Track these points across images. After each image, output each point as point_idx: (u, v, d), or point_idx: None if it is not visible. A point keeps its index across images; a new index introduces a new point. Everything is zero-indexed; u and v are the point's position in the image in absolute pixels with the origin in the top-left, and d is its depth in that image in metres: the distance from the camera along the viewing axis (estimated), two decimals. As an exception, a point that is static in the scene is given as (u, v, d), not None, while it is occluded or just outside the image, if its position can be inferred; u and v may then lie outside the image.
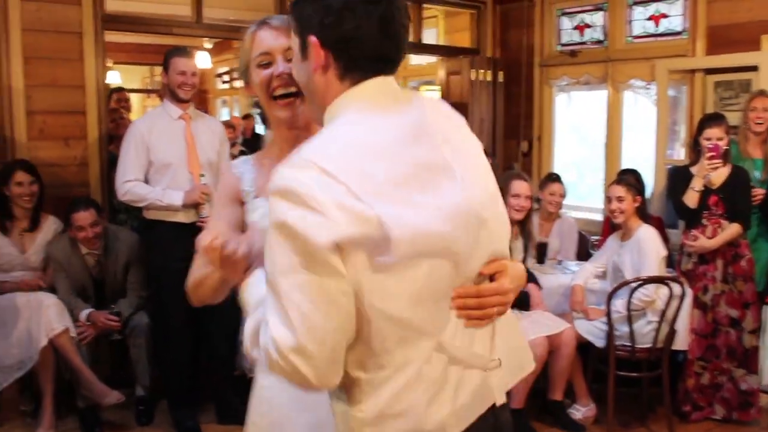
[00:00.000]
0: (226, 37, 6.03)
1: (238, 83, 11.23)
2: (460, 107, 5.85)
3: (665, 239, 4.27)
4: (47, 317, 3.81)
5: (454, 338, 1.31)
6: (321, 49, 1.31)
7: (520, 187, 3.92)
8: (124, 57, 9.87)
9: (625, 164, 5.40)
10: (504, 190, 3.97)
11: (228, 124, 8.07)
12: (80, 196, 4.22)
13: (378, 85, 1.33)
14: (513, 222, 3.96)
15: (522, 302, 3.92)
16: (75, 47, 4.46)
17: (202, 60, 9.12)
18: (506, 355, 1.41)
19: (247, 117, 9.52)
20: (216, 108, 12.14)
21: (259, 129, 9.78)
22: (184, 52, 4.06)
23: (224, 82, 11.76)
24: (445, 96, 6.10)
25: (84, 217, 3.94)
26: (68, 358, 3.86)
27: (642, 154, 5.47)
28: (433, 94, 6.80)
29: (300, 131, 1.65)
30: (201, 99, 12.30)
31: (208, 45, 9.67)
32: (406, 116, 1.33)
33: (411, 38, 5.96)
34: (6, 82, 4.26)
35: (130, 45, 9.41)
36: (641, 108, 5.55)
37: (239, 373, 4.23)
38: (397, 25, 1.32)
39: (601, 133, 5.69)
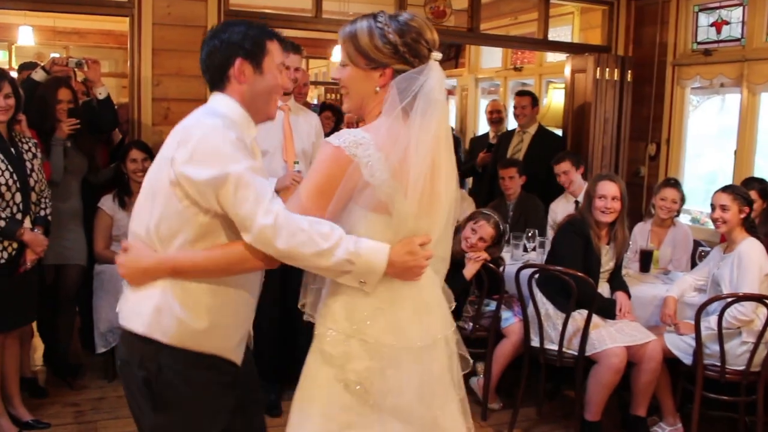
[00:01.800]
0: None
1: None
2: (583, 106, 5.72)
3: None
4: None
5: None
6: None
7: (606, 188, 3.72)
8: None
9: (759, 173, 4.94)
10: (590, 191, 3.80)
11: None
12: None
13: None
14: (601, 225, 3.78)
15: (606, 309, 3.73)
16: (199, 40, 4.78)
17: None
18: None
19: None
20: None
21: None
22: (290, 47, 4.25)
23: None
24: (569, 94, 5.89)
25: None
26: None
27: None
28: (558, 92, 6.60)
29: None
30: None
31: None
32: None
33: (536, 34, 5.87)
34: (137, 71, 4.70)
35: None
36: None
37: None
38: None
39: (733, 139, 5.25)
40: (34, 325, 4.57)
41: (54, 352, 4.52)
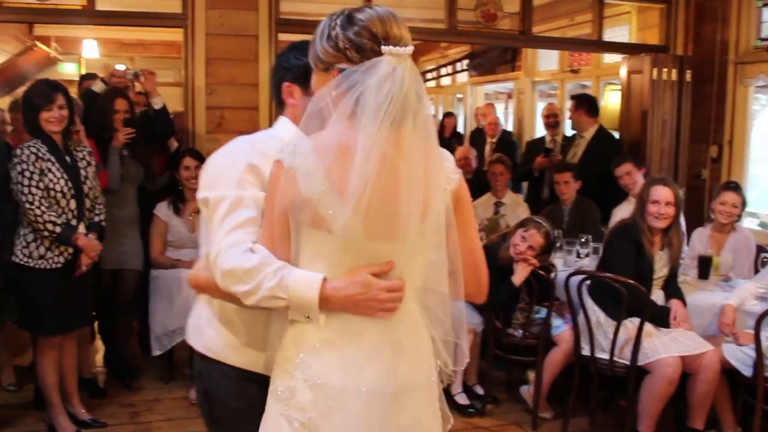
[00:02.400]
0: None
1: (445, 81, 11.47)
2: (640, 108, 5.57)
3: None
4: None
5: None
6: None
7: (659, 192, 3.61)
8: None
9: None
10: (643, 196, 3.69)
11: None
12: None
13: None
14: (654, 230, 3.67)
15: (660, 318, 3.62)
16: (251, 49, 4.90)
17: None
18: None
19: (449, 115, 9.66)
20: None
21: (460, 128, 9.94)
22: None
23: (427, 80, 11.99)
24: (626, 96, 5.75)
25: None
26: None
27: None
28: (615, 94, 6.44)
29: None
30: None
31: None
32: None
33: (591, 35, 5.75)
34: (191, 81, 4.81)
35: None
36: None
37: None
38: None
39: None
40: (95, 327, 4.75)
41: (113, 354, 4.66)
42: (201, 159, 4.51)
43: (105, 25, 5.61)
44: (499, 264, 3.91)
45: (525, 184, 6.86)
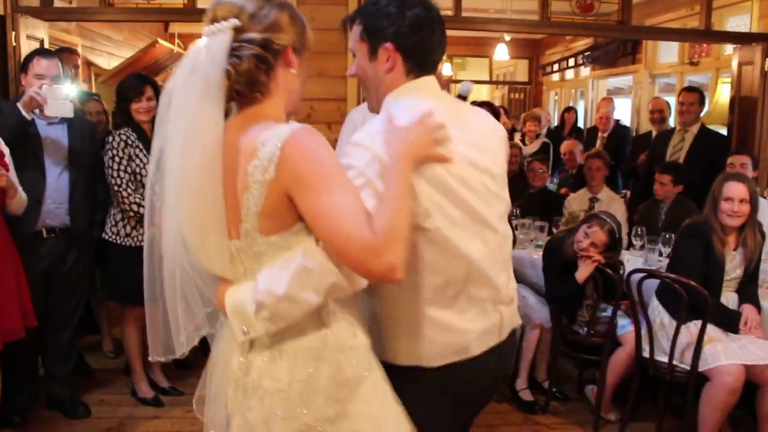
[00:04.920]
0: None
1: (569, 74, 11.18)
2: (750, 101, 5.18)
3: None
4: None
5: None
6: (395, 53, 1.69)
7: (733, 189, 3.38)
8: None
9: None
10: (715, 193, 3.48)
11: (533, 116, 8.14)
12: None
13: (431, 81, 1.77)
14: (727, 229, 3.46)
15: (728, 322, 3.41)
16: (340, 42, 5.01)
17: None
18: None
19: (569, 110, 9.41)
20: (548, 100, 12.21)
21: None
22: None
23: (546, 73, 11.74)
24: (736, 88, 5.39)
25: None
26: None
27: None
28: (726, 86, 6.04)
29: None
30: (537, 91, 12.53)
31: (507, 38, 9.78)
32: (446, 105, 1.76)
33: (696, 24, 5.42)
34: (283, 73, 5.02)
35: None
36: None
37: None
38: (444, 38, 1.77)
39: None
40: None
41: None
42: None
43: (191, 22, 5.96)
44: (563, 259, 3.83)
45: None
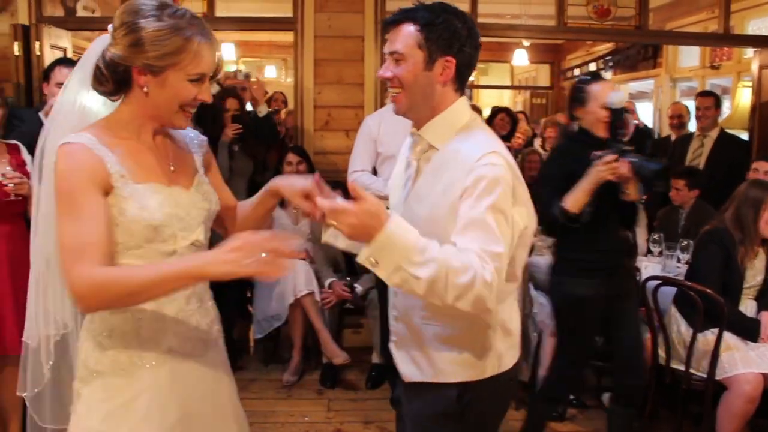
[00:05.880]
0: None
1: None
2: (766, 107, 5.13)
3: None
4: (297, 280, 4.48)
5: None
6: (452, 68, 1.75)
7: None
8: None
9: None
10: (757, 200, 3.41)
11: (553, 122, 8.09)
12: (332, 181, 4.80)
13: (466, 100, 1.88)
14: (755, 240, 3.41)
15: (748, 330, 3.37)
16: (357, 50, 5.09)
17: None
18: None
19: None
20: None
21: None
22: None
23: (566, 78, 11.67)
24: (756, 93, 5.33)
25: (332, 198, 4.51)
26: (311, 318, 4.49)
27: None
28: (747, 90, 5.97)
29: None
30: (559, 96, 12.48)
31: (526, 43, 9.74)
32: None
33: (716, 27, 5.38)
34: (300, 81, 5.07)
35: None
36: None
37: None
38: None
39: None
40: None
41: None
42: (303, 155, 4.77)
43: (224, 30, 6.04)
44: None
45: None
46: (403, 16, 1.77)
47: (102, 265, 1.50)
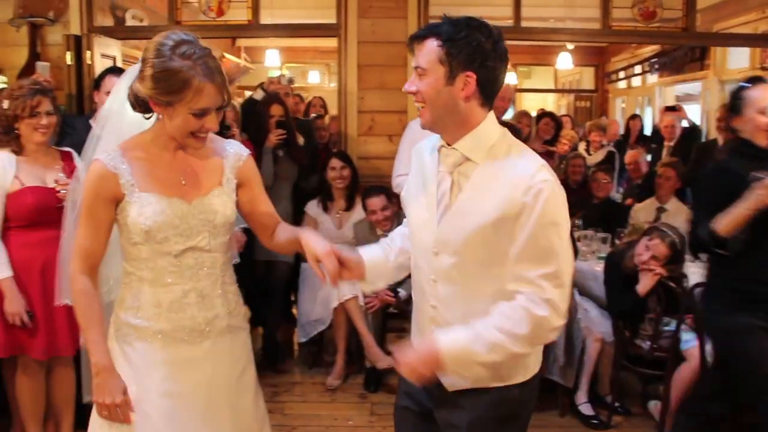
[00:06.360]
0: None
1: (636, 81, 10.97)
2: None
3: None
4: (341, 284, 4.49)
5: None
6: (474, 83, 1.75)
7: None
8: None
9: None
10: None
11: (598, 126, 7.99)
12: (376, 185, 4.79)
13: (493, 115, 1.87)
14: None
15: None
16: (400, 55, 5.11)
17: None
18: None
19: (633, 118, 9.22)
20: (615, 107, 11.99)
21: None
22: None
23: (611, 81, 11.52)
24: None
25: (375, 202, 4.53)
26: (354, 322, 4.51)
27: None
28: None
29: None
30: (603, 99, 12.32)
31: (570, 46, 9.65)
32: None
33: (766, 28, 5.25)
34: (344, 86, 5.12)
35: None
36: None
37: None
38: None
39: None
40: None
41: (264, 339, 5.08)
42: (347, 161, 4.80)
43: (269, 37, 6.13)
44: (623, 272, 3.77)
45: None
46: (428, 31, 1.79)
47: (87, 264, 1.96)
